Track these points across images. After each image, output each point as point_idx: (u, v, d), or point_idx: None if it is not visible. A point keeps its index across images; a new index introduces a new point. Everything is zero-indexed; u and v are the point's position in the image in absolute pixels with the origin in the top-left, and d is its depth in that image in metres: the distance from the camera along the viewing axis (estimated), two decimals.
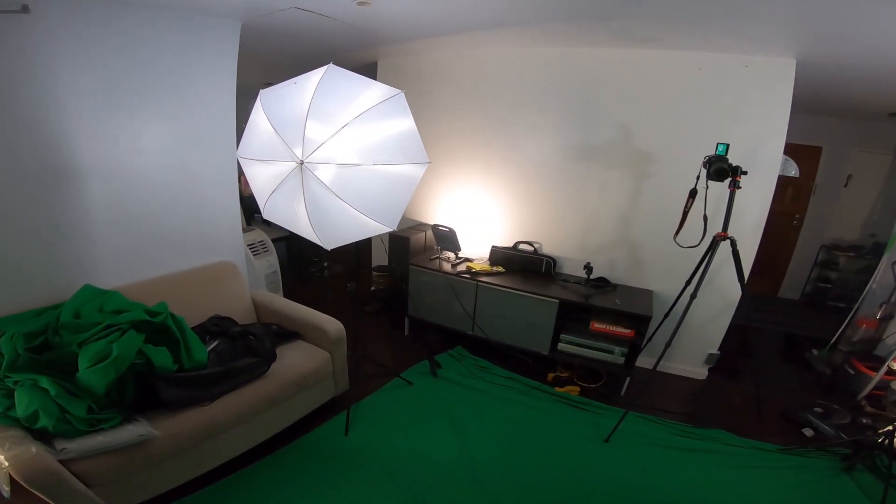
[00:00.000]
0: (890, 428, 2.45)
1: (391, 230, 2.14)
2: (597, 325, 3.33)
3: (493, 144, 3.90)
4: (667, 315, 3.19)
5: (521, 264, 3.79)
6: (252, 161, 2.12)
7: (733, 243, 2.62)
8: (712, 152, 2.59)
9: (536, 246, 3.82)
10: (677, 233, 2.80)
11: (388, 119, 2.08)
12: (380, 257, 4.69)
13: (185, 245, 2.92)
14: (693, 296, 2.65)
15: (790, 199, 5.49)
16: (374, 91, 2.07)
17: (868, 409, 3.14)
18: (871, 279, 3.83)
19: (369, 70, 4.42)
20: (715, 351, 3.50)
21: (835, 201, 5.36)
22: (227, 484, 2.22)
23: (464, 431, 2.72)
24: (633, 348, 3.23)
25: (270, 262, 4.19)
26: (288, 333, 2.77)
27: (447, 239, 3.89)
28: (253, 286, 3.53)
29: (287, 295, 3.81)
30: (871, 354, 3.56)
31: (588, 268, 3.41)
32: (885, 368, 3.17)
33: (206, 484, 2.17)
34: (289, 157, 1.95)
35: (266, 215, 2.25)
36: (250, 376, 2.32)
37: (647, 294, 3.46)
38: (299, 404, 2.56)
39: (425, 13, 2.82)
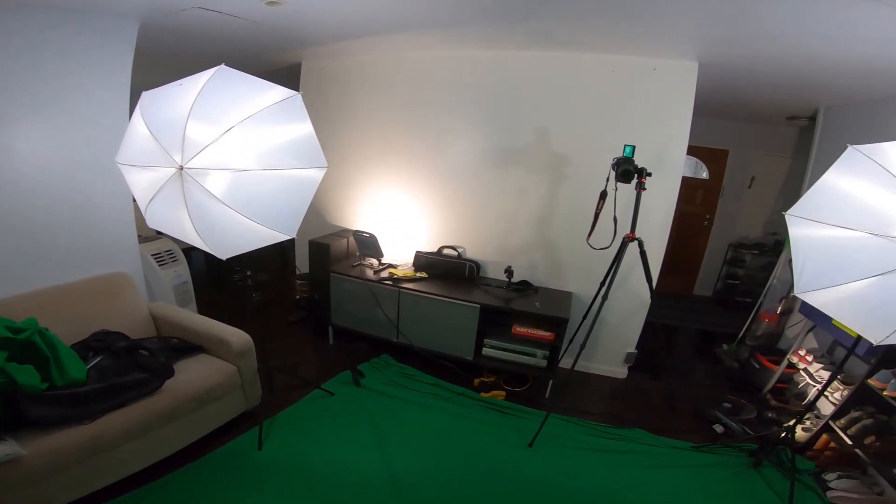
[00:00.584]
0: (791, 423, 2.58)
1: (290, 237, 2.00)
2: (518, 329, 3.31)
3: (419, 149, 3.82)
4: (585, 316, 3.23)
5: (445, 269, 3.72)
6: (130, 167, 1.94)
7: (641, 244, 2.68)
8: (622, 154, 2.64)
9: (460, 250, 3.77)
10: (590, 235, 2.83)
11: (284, 122, 1.97)
12: (306, 264, 4.47)
13: (71, 256, 2.69)
14: (604, 297, 2.68)
15: (701, 201, 5.82)
16: (268, 93, 1.94)
17: (773, 402, 3.32)
18: (772, 275, 4.09)
19: (293, 72, 4.22)
20: (633, 350, 3.59)
21: (740, 202, 5.73)
22: (126, 501, 2.08)
23: (386, 442, 2.65)
24: (555, 351, 3.24)
25: (179, 272, 3.87)
26: (190, 347, 2.64)
27: (369, 245, 3.76)
28: (159, 298, 3.41)
29: (203, 306, 3.67)
30: (773, 348, 3.79)
31: (509, 272, 3.40)
32: (785, 362, 3.37)
33: (102, 502, 2.04)
34: (166, 163, 1.79)
35: (150, 224, 2.04)
36: (140, 392, 2.19)
37: (567, 296, 3.49)
38: (205, 419, 2.45)
39: (341, 13, 2.73)
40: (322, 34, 3.26)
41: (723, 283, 5.75)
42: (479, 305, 3.26)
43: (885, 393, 2.38)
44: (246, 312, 4.30)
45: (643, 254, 2.69)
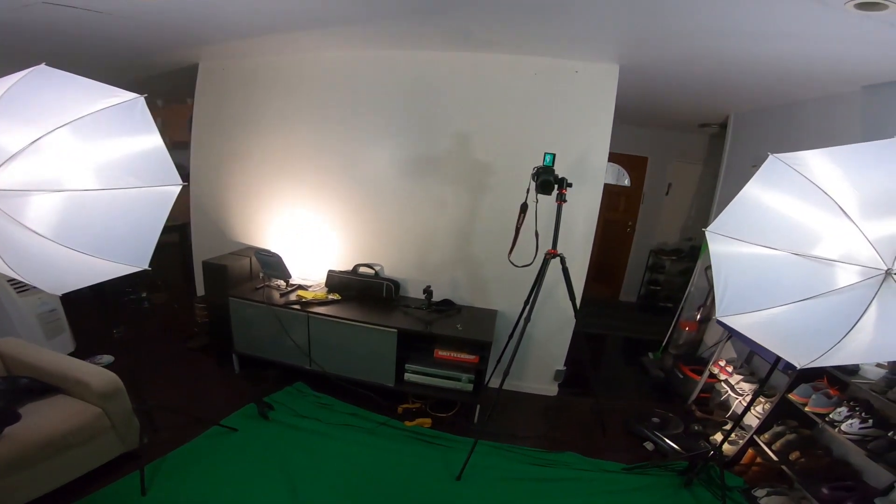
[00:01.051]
0: (719, 440, 2.50)
1: (140, 269, 1.61)
2: (441, 353, 3.07)
3: (329, 159, 3.46)
4: (511, 336, 3.02)
5: (360, 290, 3.39)
6: None
7: (563, 261, 2.51)
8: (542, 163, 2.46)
9: (377, 269, 3.46)
10: (511, 251, 2.63)
11: (125, 133, 1.59)
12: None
13: None
14: (527, 319, 2.49)
15: (624, 208, 5.89)
16: (102, 96, 1.53)
17: (698, 413, 3.29)
18: (689, 283, 4.13)
19: (189, 73, 3.73)
20: (561, 367, 3.45)
21: (659, 208, 5.86)
22: None
23: (297, 481, 2.35)
24: (480, 375, 3.02)
25: (45, 298, 3.32)
26: (44, 388, 2.32)
27: (273, 266, 3.35)
28: (20, 329, 3.05)
29: (83, 335, 3.41)
30: (695, 356, 3.80)
31: (428, 292, 3.13)
32: (706, 374, 3.36)
33: None
34: None
35: None
36: None
37: (492, 315, 3.28)
38: (71, 464, 2.18)
39: (214, 5, 2.35)
40: (206, 31, 2.90)
41: (646, 288, 5.84)
42: (395, 330, 2.96)
43: (806, 409, 2.35)
44: (151, 338, 3.81)
45: (566, 271, 2.53)
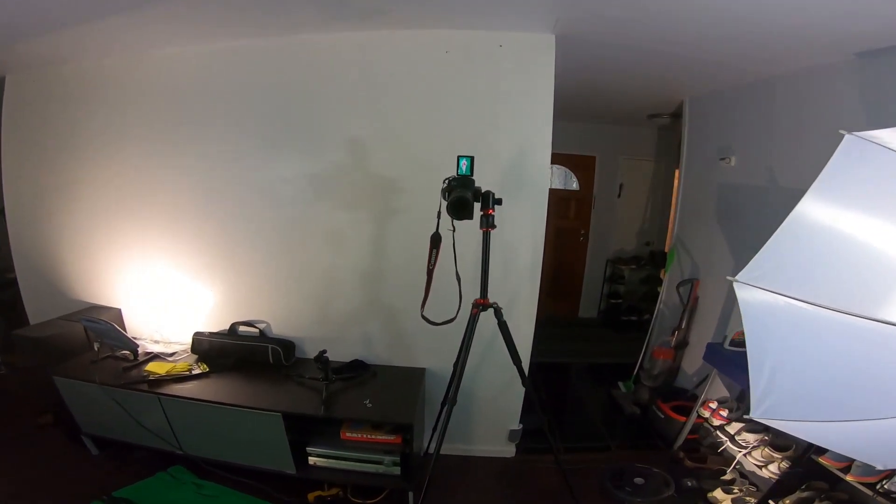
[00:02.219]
0: (718, 494, 1.81)
1: None
2: (349, 434, 2.26)
3: (181, 188, 2.57)
4: (444, 402, 2.23)
5: (240, 355, 2.51)
6: None
7: (498, 313, 1.75)
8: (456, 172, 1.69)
9: (262, 327, 2.59)
10: (424, 304, 1.84)
11: None
12: None
13: None
14: (457, 387, 1.72)
15: (574, 214, 5.23)
16: None
17: (687, 462, 2.63)
18: (658, 302, 3.50)
19: None
20: (516, 426, 2.70)
21: (612, 212, 5.25)
22: None
23: None
24: (407, 457, 2.22)
25: None
26: None
27: (107, 335, 2.43)
28: None
29: None
30: (674, 388, 3.16)
31: (322, 360, 2.24)
32: (693, 415, 2.69)
33: None
34: None
35: None
36: None
37: (417, 375, 2.48)
38: None
39: None
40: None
41: (606, 302, 5.21)
42: (280, 413, 2.12)
43: (849, 478, 1.68)
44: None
45: (503, 325, 1.77)
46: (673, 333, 3.17)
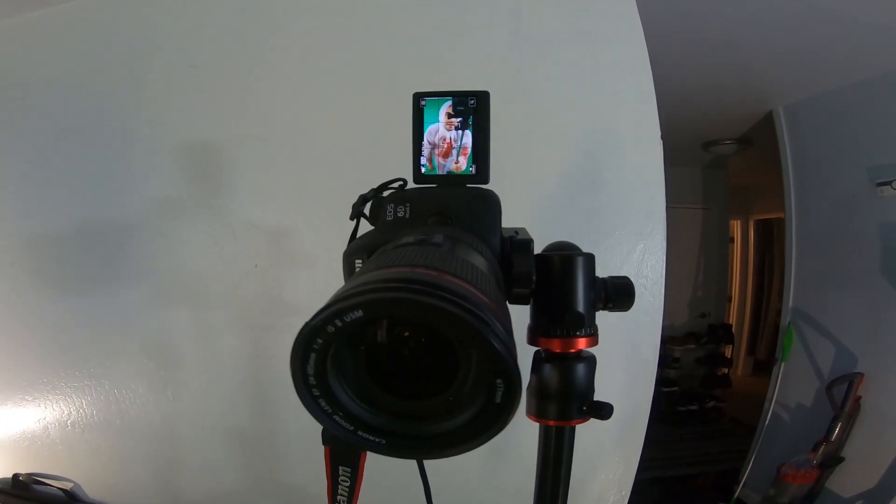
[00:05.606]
0: None
1: None
2: None
3: None
4: None
5: None
6: None
7: None
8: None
9: (70, 486, 1.36)
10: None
11: None
12: None
13: None
14: None
15: None
16: None
17: None
18: (768, 402, 2.28)
19: None
20: None
21: None
22: None
23: None
24: None
25: None
26: None
27: None
28: None
29: None
30: None
31: None
32: None
33: None
34: None
35: None
36: None
37: None
38: None
39: None
40: None
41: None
42: None
43: None
44: None
45: None
46: (815, 448, 1.94)
